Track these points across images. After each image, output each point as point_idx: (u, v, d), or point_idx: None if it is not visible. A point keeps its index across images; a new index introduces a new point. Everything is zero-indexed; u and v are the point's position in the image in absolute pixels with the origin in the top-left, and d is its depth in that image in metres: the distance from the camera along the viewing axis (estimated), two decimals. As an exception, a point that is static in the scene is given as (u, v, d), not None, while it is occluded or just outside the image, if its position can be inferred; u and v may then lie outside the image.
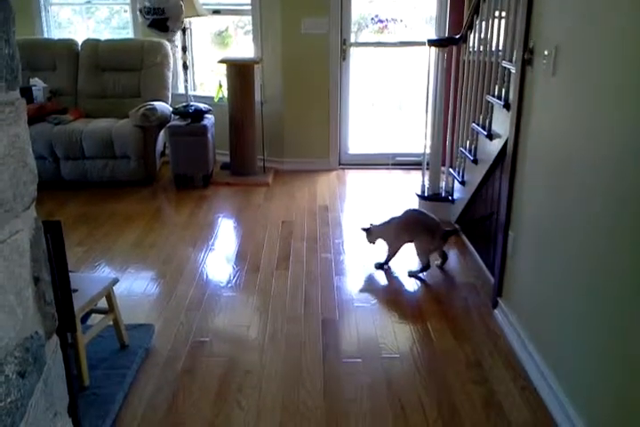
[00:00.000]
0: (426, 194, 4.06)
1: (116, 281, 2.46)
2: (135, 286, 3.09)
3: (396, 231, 3.26)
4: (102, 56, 5.02)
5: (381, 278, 3.22)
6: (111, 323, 2.47)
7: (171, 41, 4.87)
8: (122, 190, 4.56)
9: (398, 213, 3.34)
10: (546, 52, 2.27)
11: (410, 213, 3.33)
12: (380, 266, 3.30)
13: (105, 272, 3.26)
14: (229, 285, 3.12)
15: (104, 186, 4.61)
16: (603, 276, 1.81)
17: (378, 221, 3.38)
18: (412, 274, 3.23)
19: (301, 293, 3.02)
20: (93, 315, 2.55)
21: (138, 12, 4.59)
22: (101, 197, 4.45)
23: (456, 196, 3.88)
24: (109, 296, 2.43)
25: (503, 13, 3.10)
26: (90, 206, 4.26)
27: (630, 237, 1.66)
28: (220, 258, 3.48)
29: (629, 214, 1.66)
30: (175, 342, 2.59)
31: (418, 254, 3.25)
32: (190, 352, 2.51)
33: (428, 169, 4.09)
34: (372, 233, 3.36)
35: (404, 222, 3.26)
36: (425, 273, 3.23)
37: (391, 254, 3.30)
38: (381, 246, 3.38)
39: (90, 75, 5.04)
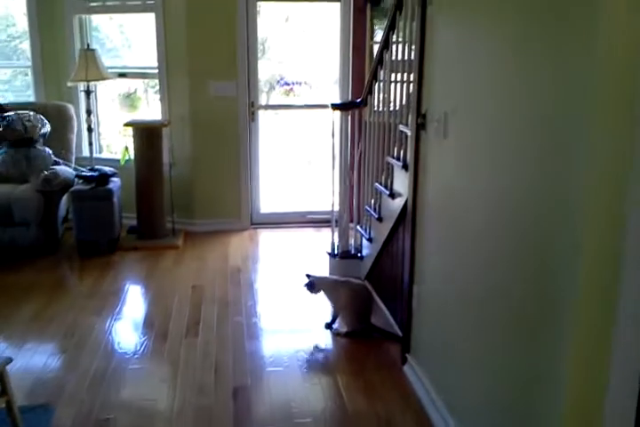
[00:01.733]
0: (336, 252, 4.12)
1: (8, 361, 2.29)
2: (33, 363, 2.90)
3: (344, 298, 3.23)
4: (1, 120, 4.86)
5: (293, 340, 3.19)
6: (4, 406, 2.30)
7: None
8: (21, 259, 4.32)
9: (346, 278, 3.34)
10: (436, 118, 2.42)
11: (359, 290, 3.29)
12: (328, 326, 3.27)
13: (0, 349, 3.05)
14: (135, 356, 2.99)
15: (1, 255, 4.36)
16: (498, 329, 1.89)
17: (317, 274, 3.39)
18: (337, 333, 3.23)
19: (211, 360, 2.93)
20: (-16, 398, 2.36)
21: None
22: (-2, 266, 4.21)
23: (364, 252, 3.96)
24: (2, 378, 2.27)
25: (399, 77, 3.29)
26: (-15, 278, 4.02)
27: (517, 290, 1.75)
28: (126, 327, 3.35)
29: (517, 269, 1.76)
30: (76, 423, 2.43)
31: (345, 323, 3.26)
32: (93, 432, 2.37)
33: (337, 227, 4.16)
34: (315, 286, 3.31)
35: (351, 294, 3.23)
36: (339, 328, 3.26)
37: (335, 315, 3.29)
38: (295, 305, 3.37)
39: (-13, 139, 4.85)
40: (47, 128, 4.76)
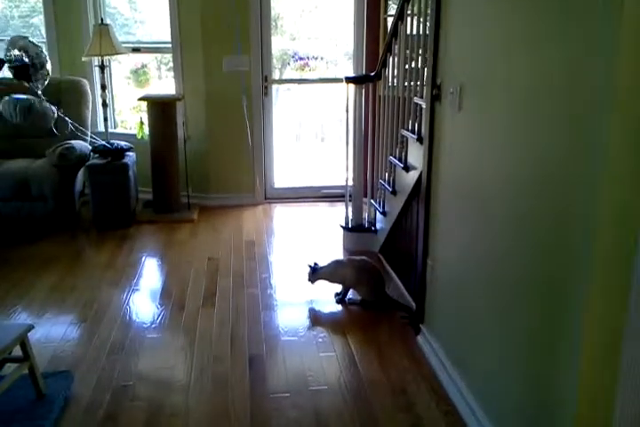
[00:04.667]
0: (350, 225, 4.14)
1: (30, 328, 2.36)
2: (53, 332, 2.97)
3: (350, 275, 3.25)
4: (17, 95, 4.88)
5: (307, 311, 3.23)
6: (27, 372, 2.37)
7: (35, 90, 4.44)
8: (39, 233, 4.39)
9: (347, 257, 3.34)
10: (451, 90, 2.40)
11: (363, 265, 3.29)
12: (340, 300, 3.29)
13: (21, 319, 3.12)
14: (153, 325, 3.05)
15: (19, 229, 4.43)
16: (514, 300, 1.90)
17: (323, 263, 3.33)
18: (351, 302, 3.27)
19: (227, 330, 2.98)
20: (7, 364, 2.43)
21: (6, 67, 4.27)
22: (17, 240, 4.27)
23: (378, 226, 3.98)
24: (24, 344, 2.33)
25: (414, 53, 3.26)
26: (4, 250, 4.08)
27: (526, 257, 1.76)
28: (143, 298, 3.41)
29: (532, 238, 1.77)
30: (96, 388, 2.50)
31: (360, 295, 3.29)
32: (113, 398, 2.43)
33: (351, 201, 4.17)
34: (315, 274, 3.31)
35: (356, 271, 3.24)
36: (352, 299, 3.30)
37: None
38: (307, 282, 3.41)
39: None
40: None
